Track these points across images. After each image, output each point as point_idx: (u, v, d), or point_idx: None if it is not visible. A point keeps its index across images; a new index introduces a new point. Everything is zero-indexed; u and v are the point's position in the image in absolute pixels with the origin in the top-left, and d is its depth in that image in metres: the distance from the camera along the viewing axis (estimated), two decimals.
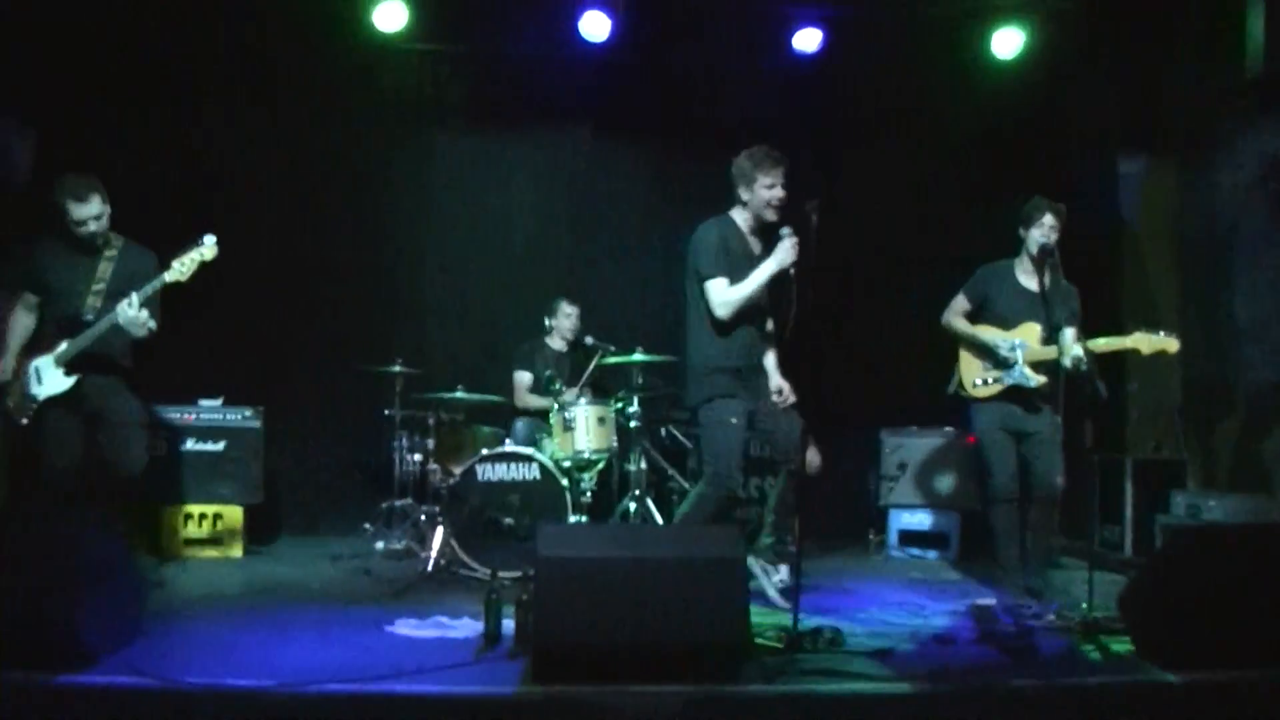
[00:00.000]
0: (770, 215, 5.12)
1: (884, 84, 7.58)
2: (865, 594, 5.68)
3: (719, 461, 5.04)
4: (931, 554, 7.02)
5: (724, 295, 5.04)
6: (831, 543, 7.15)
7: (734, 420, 5.06)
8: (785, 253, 4.96)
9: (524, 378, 7.06)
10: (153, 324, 5.08)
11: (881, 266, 7.90)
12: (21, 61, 6.58)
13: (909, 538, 7.13)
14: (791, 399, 5.30)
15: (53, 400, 5.08)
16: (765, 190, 5.09)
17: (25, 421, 5.08)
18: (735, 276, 5.05)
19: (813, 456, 5.24)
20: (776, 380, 5.35)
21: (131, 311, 4.93)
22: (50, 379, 5.08)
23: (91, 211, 5.07)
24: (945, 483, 7.11)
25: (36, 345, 5.18)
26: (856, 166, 7.77)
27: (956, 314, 5.74)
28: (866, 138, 7.85)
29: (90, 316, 5.06)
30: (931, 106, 7.64)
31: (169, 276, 4.97)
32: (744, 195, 5.17)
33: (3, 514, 4.62)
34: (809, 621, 4.55)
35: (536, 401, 6.94)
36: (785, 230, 5.01)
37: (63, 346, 5.06)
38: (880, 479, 7.22)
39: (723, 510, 5.12)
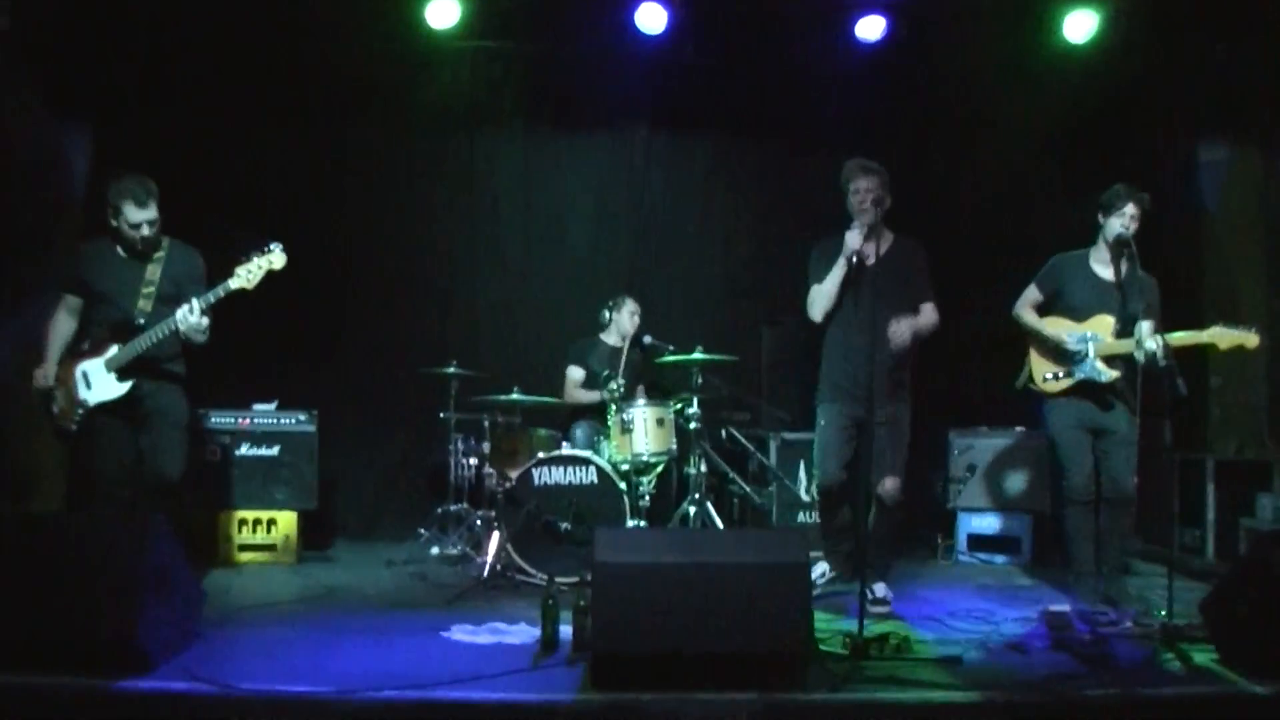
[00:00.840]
0: (860, 218, 5.43)
1: (949, 72, 7.47)
2: (934, 599, 5.64)
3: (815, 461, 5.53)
4: (1002, 559, 6.93)
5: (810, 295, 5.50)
6: (899, 547, 7.05)
7: (823, 423, 5.57)
8: (848, 242, 5.25)
9: (576, 373, 7.07)
10: (207, 331, 5.14)
11: (950, 259, 7.78)
12: (79, 62, 6.70)
13: (978, 542, 7.05)
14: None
15: (102, 406, 5.08)
16: (852, 197, 5.47)
17: (74, 428, 5.08)
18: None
19: (890, 484, 5.35)
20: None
21: (194, 318, 4.94)
22: (101, 384, 5.08)
23: (148, 216, 5.10)
24: (1016, 484, 7.02)
25: (79, 349, 5.18)
26: (923, 158, 7.69)
27: (1026, 305, 5.68)
28: (933, 129, 7.77)
29: (141, 320, 5.08)
30: (1000, 95, 7.52)
31: (235, 284, 4.98)
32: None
33: (61, 520, 4.68)
34: (875, 628, 4.53)
35: (586, 396, 6.94)
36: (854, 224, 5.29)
37: (113, 351, 5.06)
38: (948, 481, 7.15)
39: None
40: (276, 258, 5.04)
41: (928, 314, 5.50)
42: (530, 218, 7.95)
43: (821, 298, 5.54)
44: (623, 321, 7.08)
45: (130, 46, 6.90)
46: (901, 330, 5.31)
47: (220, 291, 5.00)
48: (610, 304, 7.14)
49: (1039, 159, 7.67)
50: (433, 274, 7.77)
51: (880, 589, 5.40)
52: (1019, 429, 7.04)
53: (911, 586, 6.03)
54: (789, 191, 7.93)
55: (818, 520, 6.04)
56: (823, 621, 4.70)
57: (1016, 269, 5.88)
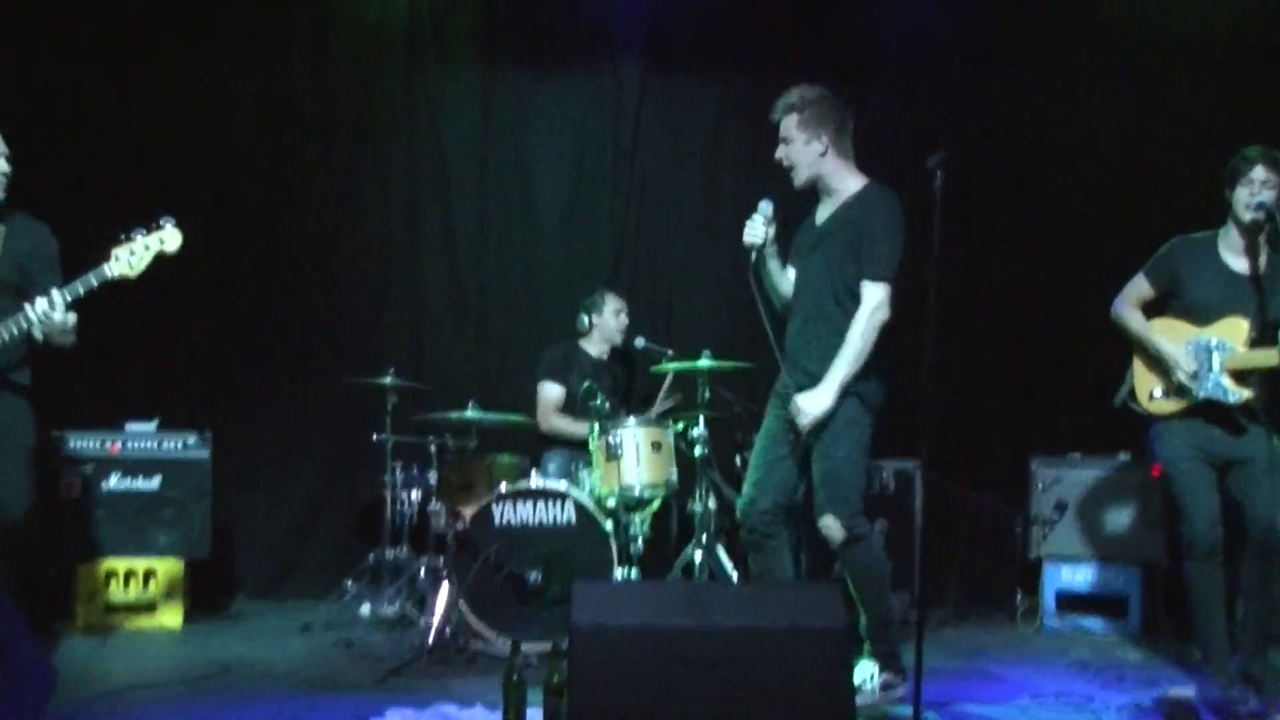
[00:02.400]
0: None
1: None
2: (1012, 679, 5.59)
3: None
4: (1102, 624, 6.90)
5: None
6: (967, 608, 7.10)
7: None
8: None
9: (553, 392, 7.03)
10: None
11: (1037, 238, 7.81)
12: None
13: (1071, 602, 7.01)
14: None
15: None
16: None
17: None
18: None
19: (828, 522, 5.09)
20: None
21: (57, 315, 4.75)
22: None
23: (5, 150, 4.98)
24: (1120, 527, 6.98)
25: None
26: (1015, 92, 7.70)
27: (1131, 303, 5.59)
28: (1028, 49, 7.80)
29: None
30: (1120, 20, 7.54)
31: (113, 270, 4.80)
32: None
33: None
34: (936, 716, 4.49)
35: (568, 426, 6.90)
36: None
37: None
38: (1031, 523, 7.11)
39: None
40: (168, 235, 4.87)
41: (867, 303, 5.21)
42: (487, 184, 7.95)
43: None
44: (606, 324, 7.07)
45: None
46: (804, 414, 5.12)
47: (93, 280, 4.83)
48: (588, 304, 7.11)
49: (1180, 106, 7.64)
50: (362, 256, 7.78)
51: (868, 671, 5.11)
52: (1123, 456, 7.00)
53: (982, 661, 5.99)
54: None
55: None
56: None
57: (1128, 250, 5.82)
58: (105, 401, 6.88)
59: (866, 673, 4.90)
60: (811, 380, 5.08)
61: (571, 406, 6.94)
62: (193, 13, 7.39)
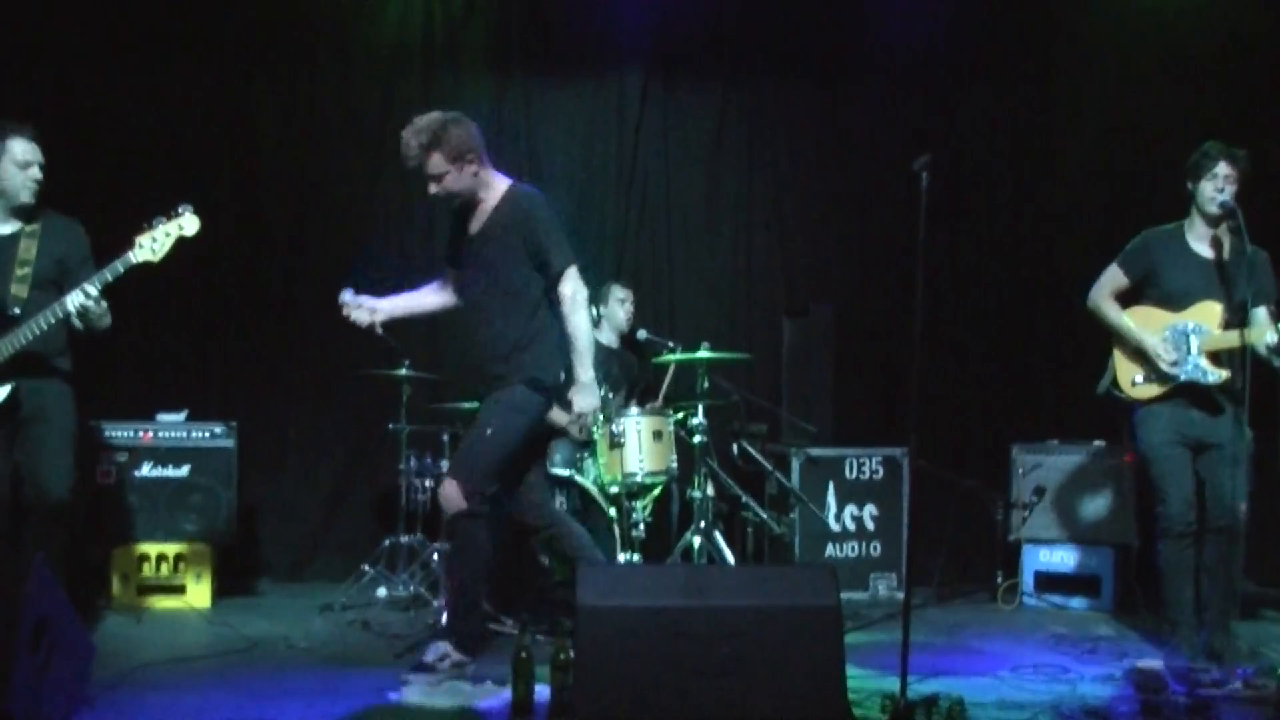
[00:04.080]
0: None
1: None
2: (993, 653, 5.61)
3: None
4: (1078, 602, 6.91)
5: None
6: (950, 588, 7.09)
7: None
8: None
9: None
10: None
11: (1020, 235, 7.83)
12: None
13: (1049, 581, 7.03)
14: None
15: None
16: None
17: None
18: None
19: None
20: None
21: (92, 303, 4.88)
22: None
23: (40, 156, 5.11)
24: (1095, 511, 6.99)
25: None
26: (1005, 95, 7.71)
27: (1107, 293, 5.62)
28: (1017, 55, 7.85)
29: (16, 310, 5.01)
30: (1102, 25, 7.55)
31: (137, 256, 4.91)
32: None
33: None
34: (922, 688, 4.50)
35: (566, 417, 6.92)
36: None
37: None
38: (1011, 507, 7.12)
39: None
40: (187, 222, 4.98)
41: (570, 288, 5.19)
42: None
43: None
44: (614, 314, 7.07)
45: None
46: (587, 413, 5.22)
47: (119, 267, 4.92)
48: (595, 296, 7.10)
49: (1165, 98, 7.68)
50: (379, 252, 7.71)
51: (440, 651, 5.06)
52: (1098, 443, 7.01)
53: (965, 636, 6.00)
54: (822, 148, 7.96)
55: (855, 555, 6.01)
56: (857, 679, 4.64)
57: (1113, 243, 5.82)
58: (139, 392, 6.90)
59: (439, 653, 4.95)
60: (503, 380, 5.12)
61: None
62: (223, 22, 7.39)
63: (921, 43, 7.75)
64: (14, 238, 5.15)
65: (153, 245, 4.93)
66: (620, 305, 7.08)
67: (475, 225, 5.16)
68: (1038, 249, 7.76)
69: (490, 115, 7.82)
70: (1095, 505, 6.99)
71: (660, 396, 6.93)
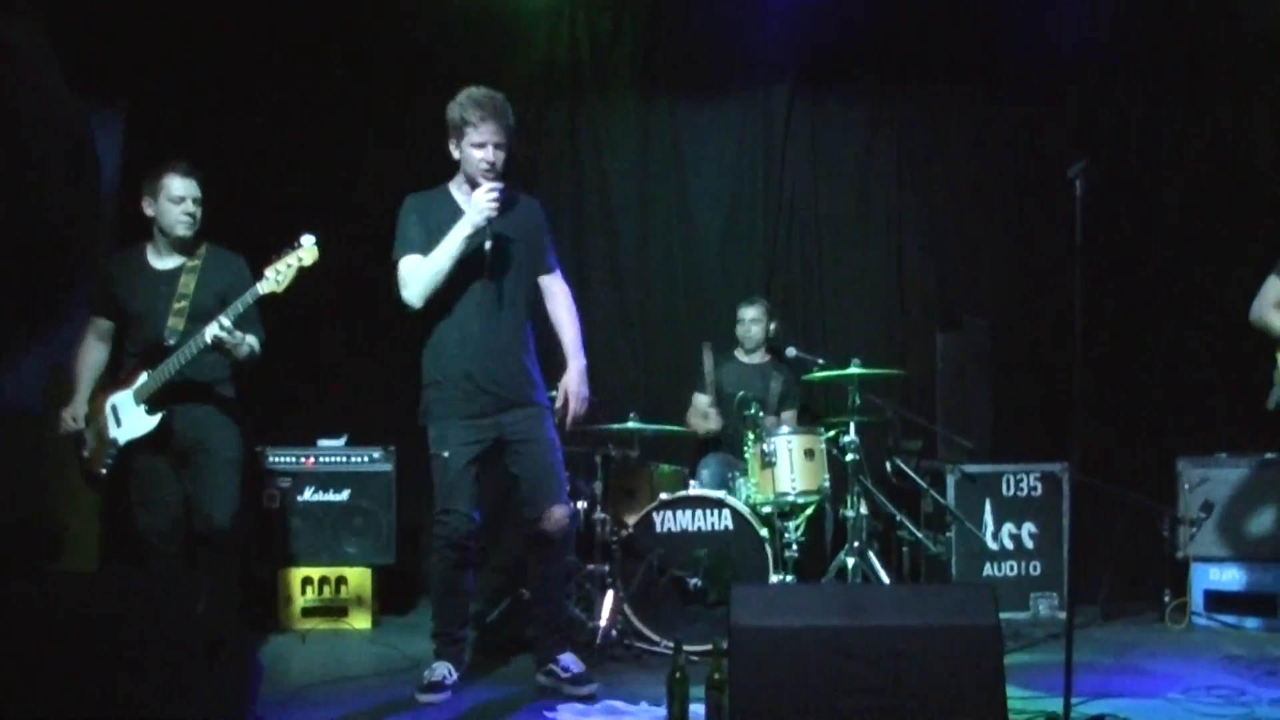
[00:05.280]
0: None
1: None
2: (1162, 675, 5.46)
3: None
4: (1252, 622, 6.69)
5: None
6: (1115, 607, 6.93)
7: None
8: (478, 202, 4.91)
9: (701, 400, 7.07)
10: (255, 343, 5.25)
11: (1183, 241, 7.62)
12: (109, 33, 6.92)
13: (1220, 601, 6.81)
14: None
15: (137, 444, 5.18)
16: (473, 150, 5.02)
17: (104, 472, 5.19)
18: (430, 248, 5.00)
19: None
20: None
21: (225, 334, 5.01)
22: (130, 419, 5.17)
23: (194, 191, 5.27)
24: (1268, 526, 6.76)
25: (113, 380, 5.31)
26: (1151, 107, 7.57)
27: (1269, 304, 5.46)
28: (1160, 70, 7.68)
29: (172, 341, 5.16)
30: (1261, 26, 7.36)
31: (262, 288, 5.04)
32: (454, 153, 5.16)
33: (95, 582, 4.79)
34: (1087, 709, 4.43)
35: (705, 425, 6.97)
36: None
37: (142, 379, 5.15)
38: (1178, 523, 6.92)
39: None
40: (307, 253, 5.05)
41: (568, 292, 5.36)
42: (647, 206, 8.00)
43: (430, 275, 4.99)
44: (746, 334, 7.09)
45: (167, 16, 7.13)
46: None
47: (249, 299, 5.07)
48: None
49: None
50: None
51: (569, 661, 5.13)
52: (1269, 455, 6.78)
53: (1134, 656, 5.86)
54: (974, 156, 7.87)
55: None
56: (1019, 700, 4.59)
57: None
58: (301, 420, 7.09)
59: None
60: (536, 391, 5.19)
61: (727, 414, 6.94)
62: (377, 47, 7.60)
63: (1076, 45, 7.61)
64: (175, 272, 5.32)
65: (276, 277, 5.03)
66: (754, 325, 7.09)
67: (496, 224, 4.97)
68: (1203, 257, 7.54)
69: (638, 135, 7.94)
70: (1267, 520, 6.76)
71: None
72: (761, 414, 6.57)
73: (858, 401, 6.41)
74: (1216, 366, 7.45)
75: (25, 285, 6.44)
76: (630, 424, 6.48)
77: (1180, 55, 7.64)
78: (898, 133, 7.94)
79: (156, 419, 5.15)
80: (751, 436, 6.33)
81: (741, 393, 6.71)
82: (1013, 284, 7.77)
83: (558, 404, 5.23)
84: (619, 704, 4.78)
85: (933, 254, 7.88)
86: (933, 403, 7.53)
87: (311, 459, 6.87)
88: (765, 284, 7.74)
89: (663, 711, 4.40)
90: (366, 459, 6.90)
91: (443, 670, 5.04)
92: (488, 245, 4.92)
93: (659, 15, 7.81)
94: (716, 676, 4.16)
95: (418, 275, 4.92)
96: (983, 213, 7.84)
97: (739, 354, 7.22)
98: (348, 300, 7.32)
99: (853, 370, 6.33)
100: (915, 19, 7.72)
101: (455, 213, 5.01)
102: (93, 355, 5.40)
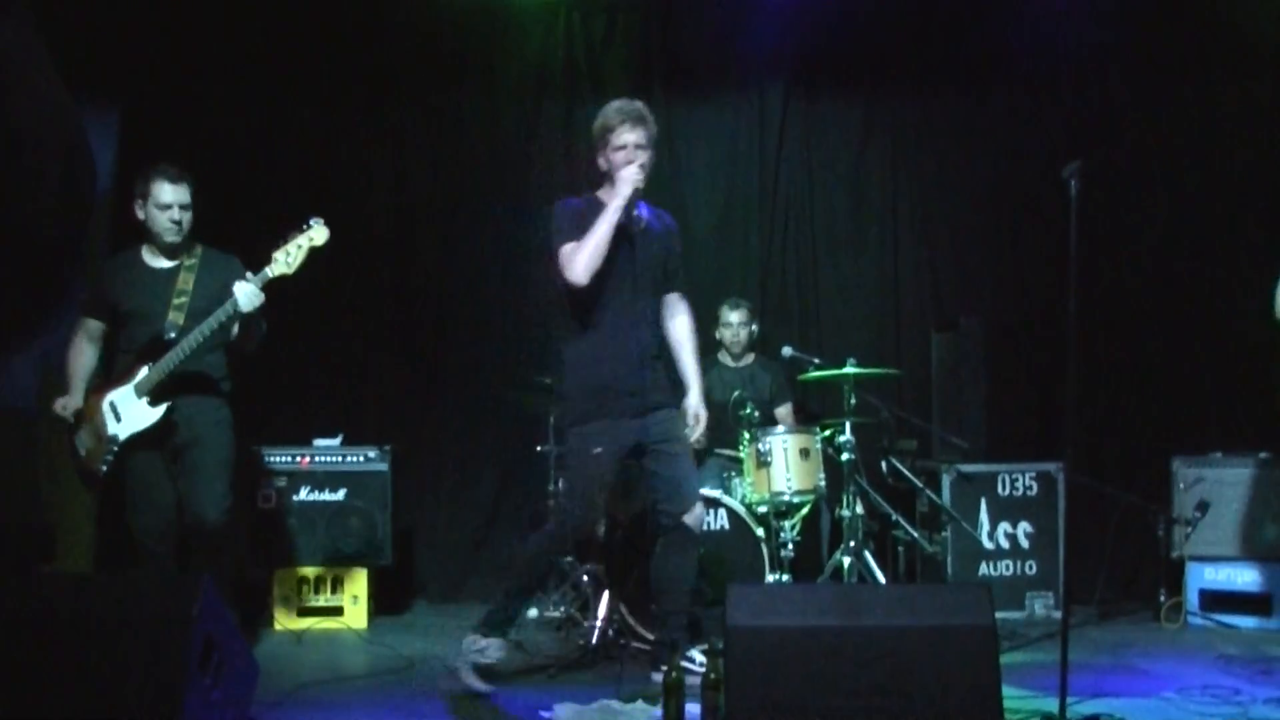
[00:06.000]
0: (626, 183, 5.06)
1: None
2: (1158, 674, 5.46)
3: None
4: (1248, 621, 6.70)
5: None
6: (1111, 606, 6.96)
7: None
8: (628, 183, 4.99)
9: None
10: (264, 325, 5.33)
11: (1177, 240, 7.63)
12: (103, 33, 6.93)
13: (1215, 600, 6.82)
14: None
15: (136, 440, 5.23)
16: (615, 154, 5.12)
17: (104, 469, 5.23)
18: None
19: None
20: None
21: (255, 292, 5.10)
22: (132, 413, 5.21)
23: (181, 198, 5.31)
24: (1262, 526, 6.76)
25: (107, 380, 5.37)
26: (1147, 105, 7.61)
27: None
28: (1157, 67, 7.68)
29: (172, 335, 5.21)
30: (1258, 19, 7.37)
31: (273, 270, 5.10)
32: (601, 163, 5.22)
33: (90, 582, 4.80)
34: (1082, 709, 4.43)
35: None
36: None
37: (143, 373, 5.20)
38: (1173, 522, 6.93)
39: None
40: (317, 233, 5.14)
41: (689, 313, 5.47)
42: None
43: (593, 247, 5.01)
44: (726, 335, 7.12)
45: (162, 17, 7.14)
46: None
47: (262, 278, 5.13)
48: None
49: None
50: (526, 279, 7.80)
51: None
52: (1264, 455, 6.79)
53: (1128, 655, 5.87)
54: (969, 157, 7.87)
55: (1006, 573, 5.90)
56: (1015, 699, 4.59)
57: (1276, 248, 5.67)
58: (296, 418, 7.08)
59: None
60: (666, 396, 5.24)
61: (722, 415, 6.92)
62: (374, 49, 7.60)
63: (1070, 45, 7.61)
64: (174, 270, 5.38)
65: (287, 259, 5.11)
66: (734, 329, 7.11)
67: (638, 222, 5.14)
68: (1196, 256, 7.54)
69: None
70: (1262, 520, 6.76)
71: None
72: (756, 414, 6.56)
73: (853, 401, 6.40)
74: (1211, 366, 7.45)
75: (18, 287, 6.43)
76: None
77: (1174, 55, 7.64)
78: (892, 133, 7.94)
79: (161, 410, 5.20)
80: (747, 436, 6.33)
81: (737, 393, 6.70)
82: (1007, 284, 7.77)
83: (686, 425, 5.31)
84: (614, 703, 4.76)
85: (928, 254, 7.87)
86: (928, 402, 7.53)
87: (307, 458, 6.85)
88: (760, 284, 7.74)
89: (659, 711, 4.40)
90: (362, 459, 6.89)
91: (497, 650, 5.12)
92: (639, 226, 5.10)
93: (653, 16, 7.80)
94: (713, 676, 4.17)
95: (581, 250, 4.97)
96: (977, 213, 7.83)
97: (724, 358, 7.19)
98: (344, 300, 7.32)
99: (848, 370, 6.33)
100: (909, 20, 7.72)
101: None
102: (85, 357, 5.45)
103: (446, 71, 7.73)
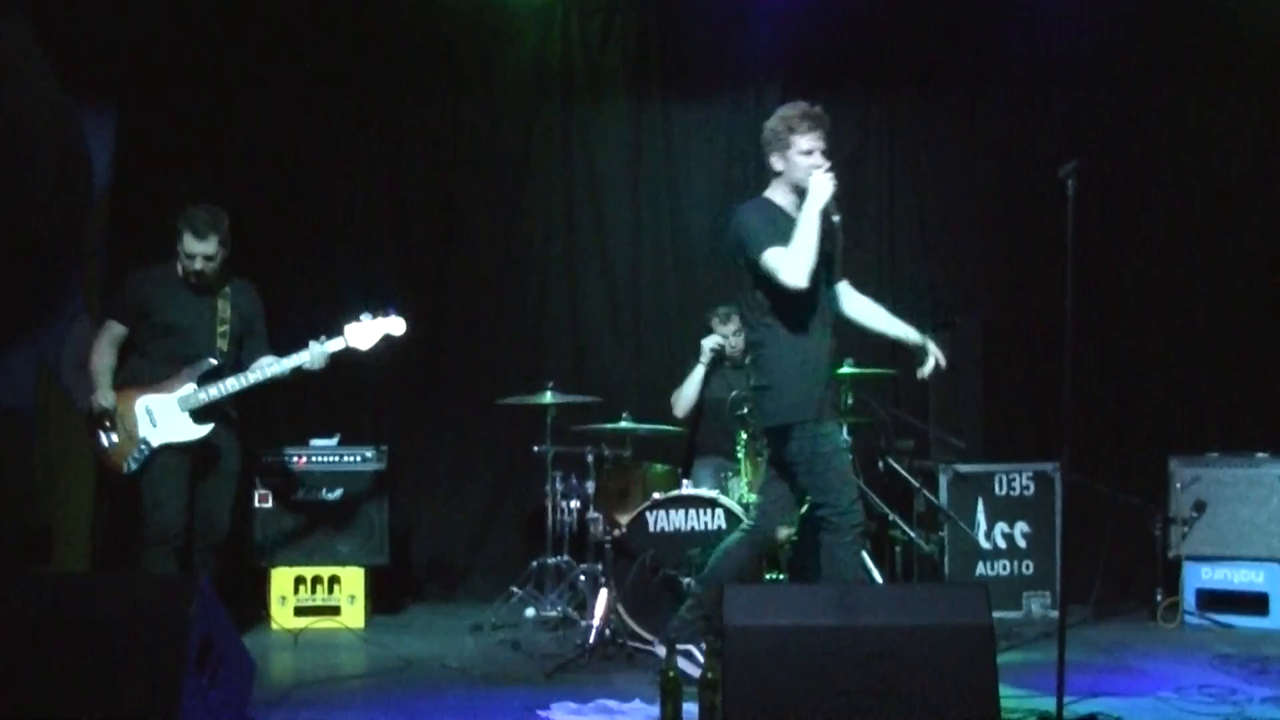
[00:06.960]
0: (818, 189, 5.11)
1: None
2: (1154, 673, 5.47)
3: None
4: (1245, 621, 6.70)
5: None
6: (1107, 606, 6.94)
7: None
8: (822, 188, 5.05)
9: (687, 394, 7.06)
10: None
11: (1175, 240, 7.63)
12: (100, 33, 6.93)
13: (1212, 599, 6.82)
14: None
15: (168, 447, 5.52)
16: (801, 159, 5.17)
17: (134, 467, 5.51)
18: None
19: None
20: None
21: (324, 356, 5.62)
22: (172, 424, 5.52)
23: (204, 249, 5.53)
24: (1259, 525, 6.77)
25: (137, 381, 5.59)
26: (1143, 106, 7.60)
27: None
28: (1151, 70, 7.67)
29: (216, 360, 5.57)
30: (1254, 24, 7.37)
31: (347, 343, 5.67)
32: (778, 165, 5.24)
33: (88, 581, 4.82)
34: (1079, 708, 4.43)
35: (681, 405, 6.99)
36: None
37: (188, 389, 5.53)
38: (1170, 522, 6.93)
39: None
40: (395, 325, 5.74)
41: None
42: (639, 208, 7.95)
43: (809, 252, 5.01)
44: (733, 348, 6.98)
45: (159, 16, 7.13)
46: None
47: (329, 349, 5.64)
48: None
49: None
50: (523, 279, 7.82)
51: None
52: (1261, 455, 6.79)
53: (1126, 655, 5.87)
54: (966, 156, 7.87)
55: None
56: (1011, 699, 4.59)
57: (1274, 247, 5.67)
58: (293, 419, 7.10)
59: None
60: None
61: (719, 414, 6.91)
62: (371, 51, 7.59)
63: (1068, 43, 7.59)
64: (212, 298, 5.68)
65: (362, 341, 5.69)
66: (724, 342, 6.99)
67: (833, 226, 5.20)
68: (1193, 256, 7.54)
69: (629, 136, 7.91)
70: (1259, 519, 6.77)
71: None
72: (750, 415, 6.53)
73: (850, 401, 6.39)
74: (1208, 366, 7.45)
75: (15, 286, 6.45)
76: (623, 424, 6.49)
77: (1170, 54, 7.63)
78: (888, 133, 7.93)
79: (205, 430, 5.57)
80: (744, 436, 6.32)
81: (735, 392, 6.69)
82: (1004, 284, 7.76)
83: (928, 365, 5.43)
84: (612, 703, 4.77)
85: (924, 254, 7.86)
86: (925, 403, 7.52)
87: (304, 458, 6.86)
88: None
89: (656, 710, 4.40)
90: (359, 458, 6.89)
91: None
92: (836, 219, 5.20)
93: (650, 17, 7.79)
94: (710, 676, 4.17)
95: (796, 255, 4.96)
96: (974, 213, 7.83)
97: (726, 368, 7.12)
98: (342, 300, 7.31)
99: (845, 370, 6.31)
100: (905, 21, 7.71)
101: (785, 215, 5.16)
102: (109, 358, 5.66)
103: (444, 72, 7.72)
